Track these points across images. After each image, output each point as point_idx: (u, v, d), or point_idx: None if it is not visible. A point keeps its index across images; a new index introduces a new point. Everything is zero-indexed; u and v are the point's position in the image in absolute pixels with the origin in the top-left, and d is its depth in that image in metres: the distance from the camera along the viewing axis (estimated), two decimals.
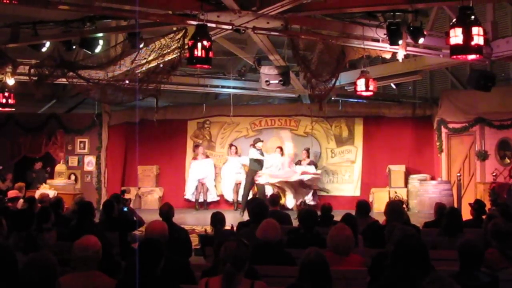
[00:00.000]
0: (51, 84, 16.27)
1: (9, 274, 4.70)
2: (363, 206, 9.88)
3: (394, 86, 18.43)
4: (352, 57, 13.98)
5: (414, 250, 4.75)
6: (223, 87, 19.19)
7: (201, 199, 19.51)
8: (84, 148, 19.67)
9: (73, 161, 19.54)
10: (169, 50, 12.55)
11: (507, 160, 16.05)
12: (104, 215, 9.95)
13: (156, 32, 13.25)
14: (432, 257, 4.98)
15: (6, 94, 14.60)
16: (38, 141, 19.12)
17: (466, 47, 8.64)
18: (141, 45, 13.02)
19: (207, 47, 10.17)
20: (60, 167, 18.55)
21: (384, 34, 11.74)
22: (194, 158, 19.74)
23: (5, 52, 13.60)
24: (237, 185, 19.24)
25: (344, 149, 19.96)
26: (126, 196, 13.09)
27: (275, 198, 11.59)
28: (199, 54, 10.15)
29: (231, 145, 19.62)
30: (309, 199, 18.32)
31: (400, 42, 11.72)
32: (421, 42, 11.96)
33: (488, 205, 12.57)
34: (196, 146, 19.92)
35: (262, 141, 18.61)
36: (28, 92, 15.16)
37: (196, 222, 15.44)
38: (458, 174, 16.48)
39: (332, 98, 18.91)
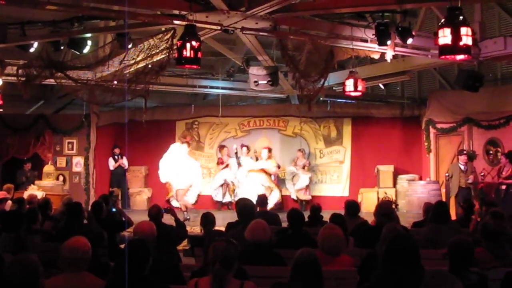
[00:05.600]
0: (39, 85, 16.20)
1: None
2: (352, 206, 9.86)
3: (382, 87, 18.49)
4: (340, 58, 14.00)
5: (406, 251, 4.77)
6: (211, 87, 19.17)
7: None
8: (72, 149, 19.59)
9: (61, 162, 19.45)
10: (157, 51, 12.52)
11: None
12: (92, 216, 9.91)
13: (145, 32, 13.21)
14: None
15: None
16: (26, 141, 18.98)
17: (454, 47, 8.67)
18: (130, 46, 12.99)
19: (196, 47, 10.19)
20: (48, 168, 18.45)
21: (373, 34, 11.77)
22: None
23: None
24: None
25: (332, 149, 19.98)
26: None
27: (264, 198, 11.58)
28: (188, 55, 10.16)
29: (243, 145, 19.11)
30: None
31: (389, 42, 11.77)
32: (410, 42, 12.01)
33: (476, 205, 12.61)
34: (222, 147, 19.78)
35: None
36: (16, 93, 15.10)
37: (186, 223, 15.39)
38: (447, 174, 16.52)
39: (321, 99, 18.92)
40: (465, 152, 15.94)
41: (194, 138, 20.51)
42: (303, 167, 19.01)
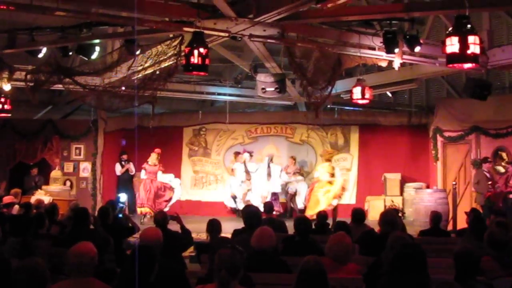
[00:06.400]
0: (47, 90, 16.24)
1: (2, 281, 4.68)
2: (359, 214, 9.86)
3: (390, 94, 18.42)
4: (348, 65, 13.98)
5: (414, 259, 4.77)
6: (219, 94, 19.17)
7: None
8: (79, 154, 19.59)
9: (69, 167, 19.45)
10: (165, 57, 12.54)
11: (502, 169, 16.05)
12: (99, 222, 9.92)
13: (153, 39, 13.24)
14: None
15: (3, 99, 14.60)
16: (34, 147, 19.00)
17: (462, 56, 8.67)
18: (138, 52, 13.01)
19: (204, 54, 10.20)
20: (55, 173, 18.48)
21: (380, 42, 11.76)
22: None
23: (2, 57, 13.59)
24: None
25: (339, 157, 19.92)
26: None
27: (270, 205, 11.56)
28: (196, 61, 10.17)
29: (245, 150, 19.34)
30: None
31: (396, 50, 11.74)
32: (417, 50, 12.00)
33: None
34: (237, 153, 19.72)
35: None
36: (24, 98, 15.15)
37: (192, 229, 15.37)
38: (454, 183, 16.47)
39: (328, 106, 18.88)
40: (490, 160, 15.86)
41: (201, 144, 20.56)
42: (294, 174, 18.91)
